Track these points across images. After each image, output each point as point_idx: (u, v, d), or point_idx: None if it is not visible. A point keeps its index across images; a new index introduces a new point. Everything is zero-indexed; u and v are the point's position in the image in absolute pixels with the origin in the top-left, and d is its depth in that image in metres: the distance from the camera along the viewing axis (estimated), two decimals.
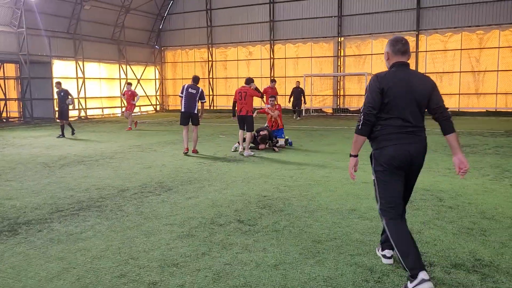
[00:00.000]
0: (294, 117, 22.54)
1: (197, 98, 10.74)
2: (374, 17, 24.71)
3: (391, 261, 4.00)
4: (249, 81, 11.11)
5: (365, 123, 3.60)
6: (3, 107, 24.26)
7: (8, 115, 24.87)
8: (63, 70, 24.16)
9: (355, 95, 25.83)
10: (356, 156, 3.73)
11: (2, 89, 24.28)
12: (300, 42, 26.83)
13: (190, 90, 10.77)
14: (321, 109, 26.56)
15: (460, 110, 23.05)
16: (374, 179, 3.72)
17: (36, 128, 18.81)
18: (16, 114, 24.70)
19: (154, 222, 5.34)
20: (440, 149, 10.96)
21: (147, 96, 30.06)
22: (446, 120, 3.62)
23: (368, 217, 5.39)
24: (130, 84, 18.60)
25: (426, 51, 23.77)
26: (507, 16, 21.71)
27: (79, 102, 24.86)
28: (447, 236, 4.70)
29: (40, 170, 8.89)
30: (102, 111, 26.66)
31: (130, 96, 17.92)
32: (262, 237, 4.76)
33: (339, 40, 25.80)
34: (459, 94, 23.30)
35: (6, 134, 16.29)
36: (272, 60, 27.65)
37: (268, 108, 12.34)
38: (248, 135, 10.95)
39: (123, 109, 24.36)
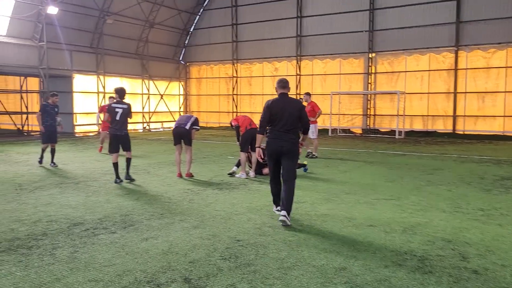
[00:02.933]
0: None
1: (190, 122, 9.74)
2: (409, 32, 23.09)
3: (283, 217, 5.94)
4: None
5: (261, 127, 6.27)
6: (25, 121, 24.12)
7: (31, 129, 24.72)
8: (84, 85, 23.82)
9: (387, 115, 24.07)
10: (259, 147, 6.41)
11: (24, 103, 24.19)
12: (328, 58, 25.50)
13: (181, 115, 10.16)
14: (349, 129, 24.96)
15: (504, 133, 20.89)
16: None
17: None
18: (39, 128, 24.47)
19: (77, 276, 4.14)
20: (475, 181, 9.30)
21: (170, 112, 29.41)
22: (306, 129, 6.40)
23: (359, 283, 3.97)
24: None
25: (466, 69, 21.86)
26: None
27: (99, 117, 24.38)
28: None
29: (8, 193, 7.94)
30: None
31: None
32: None
33: (370, 56, 24.29)
34: (504, 116, 21.13)
35: (12, 149, 15.75)
36: (298, 76, 26.39)
37: None
38: (253, 155, 9.91)
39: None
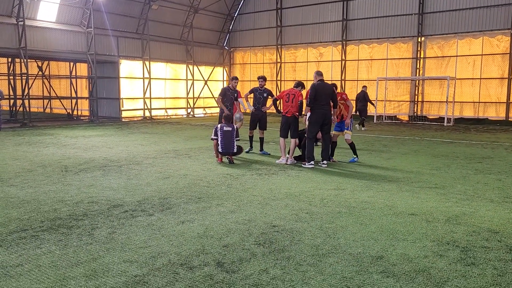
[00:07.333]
0: (358, 128, 18.53)
1: (234, 141, 9.79)
2: (461, 14, 21.97)
3: (312, 166, 9.20)
4: (299, 85, 9.94)
5: (310, 102, 9.23)
6: (74, 105, 25.06)
7: (80, 113, 25.68)
8: (130, 70, 24.37)
9: (436, 102, 23.14)
10: (306, 115, 9.69)
11: (74, 88, 25.10)
12: (375, 43, 24.73)
13: (225, 128, 9.76)
14: (395, 116, 24.20)
15: None
16: (308, 123, 9.47)
17: (96, 127, 18.89)
18: (87, 113, 25.39)
19: (113, 256, 4.22)
20: None
21: (214, 97, 29.59)
22: (335, 104, 9.63)
23: (396, 273, 3.81)
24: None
25: None
26: None
27: (144, 102, 24.95)
28: None
29: (54, 175, 8.26)
30: (166, 112, 26.58)
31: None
32: None
33: (419, 40, 23.32)
34: None
35: (61, 132, 16.38)
36: (343, 61, 25.79)
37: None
38: (292, 142, 9.72)
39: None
